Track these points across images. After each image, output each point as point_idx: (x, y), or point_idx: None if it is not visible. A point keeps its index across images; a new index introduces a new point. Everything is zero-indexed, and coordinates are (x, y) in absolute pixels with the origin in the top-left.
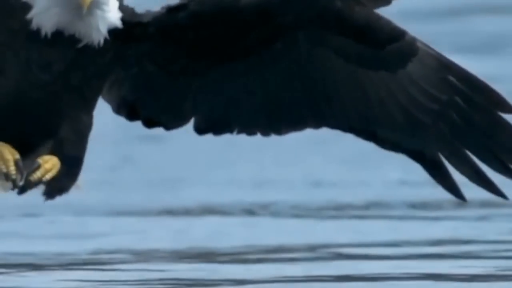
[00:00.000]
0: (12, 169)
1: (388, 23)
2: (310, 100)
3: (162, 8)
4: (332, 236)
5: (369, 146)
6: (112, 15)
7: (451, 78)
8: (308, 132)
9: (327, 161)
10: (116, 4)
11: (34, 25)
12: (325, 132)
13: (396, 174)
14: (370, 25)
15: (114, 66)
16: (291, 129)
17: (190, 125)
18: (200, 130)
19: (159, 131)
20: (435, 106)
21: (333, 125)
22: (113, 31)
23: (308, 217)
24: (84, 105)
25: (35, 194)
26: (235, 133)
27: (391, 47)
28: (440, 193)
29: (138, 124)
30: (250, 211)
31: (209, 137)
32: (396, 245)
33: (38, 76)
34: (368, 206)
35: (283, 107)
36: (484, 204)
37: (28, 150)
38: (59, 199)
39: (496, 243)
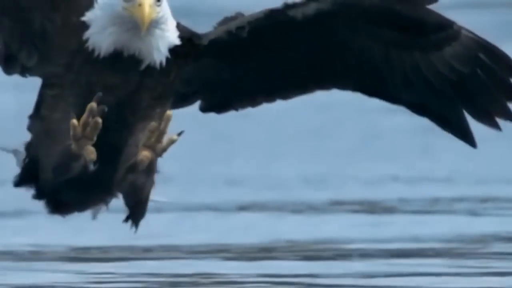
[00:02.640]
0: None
1: (437, 16)
2: (331, 66)
3: (218, 27)
4: (326, 233)
5: (361, 142)
6: (171, 34)
7: (482, 55)
8: (303, 128)
9: (319, 157)
10: (174, 23)
11: (90, 44)
12: (318, 128)
13: (389, 169)
14: (422, 20)
15: (176, 84)
16: (301, 93)
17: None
18: (207, 108)
19: None
20: (455, 77)
21: (345, 86)
22: (173, 50)
23: (302, 214)
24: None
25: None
26: (240, 109)
27: (435, 36)
28: (432, 189)
29: None
30: (243, 208)
31: (199, 133)
32: (388, 242)
33: (102, 99)
34: (361, 202)
35: (301, 74)
36: (476, 200)
37: (95, 177)
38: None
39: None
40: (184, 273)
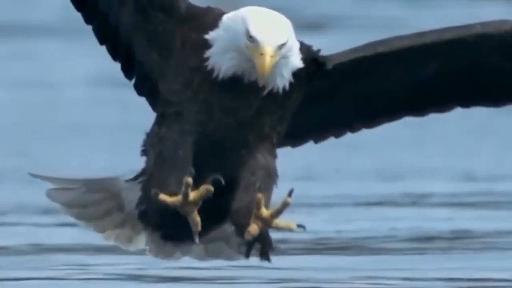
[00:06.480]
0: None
1: None
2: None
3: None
4: (315, 228)
5: (348, 136)
6: (295, 59)
7: None
8: None
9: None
10: (298, 45)
11: (209, 64)
12: None
13: (371, 164)
14: None
15: (295, 106)
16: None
17: None
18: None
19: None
20: None
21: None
22: (296, 74)
23: (295, 210)
24: (271, 148)
25: None
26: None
27: None
28: (419, 184)
29: (130, 116)
30: None
31: None
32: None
33: (221, 119)
34: (350, 196)
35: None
36: (464, 194)
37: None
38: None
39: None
40: (184, 266)
